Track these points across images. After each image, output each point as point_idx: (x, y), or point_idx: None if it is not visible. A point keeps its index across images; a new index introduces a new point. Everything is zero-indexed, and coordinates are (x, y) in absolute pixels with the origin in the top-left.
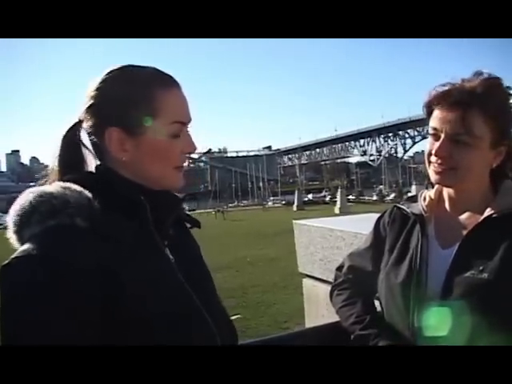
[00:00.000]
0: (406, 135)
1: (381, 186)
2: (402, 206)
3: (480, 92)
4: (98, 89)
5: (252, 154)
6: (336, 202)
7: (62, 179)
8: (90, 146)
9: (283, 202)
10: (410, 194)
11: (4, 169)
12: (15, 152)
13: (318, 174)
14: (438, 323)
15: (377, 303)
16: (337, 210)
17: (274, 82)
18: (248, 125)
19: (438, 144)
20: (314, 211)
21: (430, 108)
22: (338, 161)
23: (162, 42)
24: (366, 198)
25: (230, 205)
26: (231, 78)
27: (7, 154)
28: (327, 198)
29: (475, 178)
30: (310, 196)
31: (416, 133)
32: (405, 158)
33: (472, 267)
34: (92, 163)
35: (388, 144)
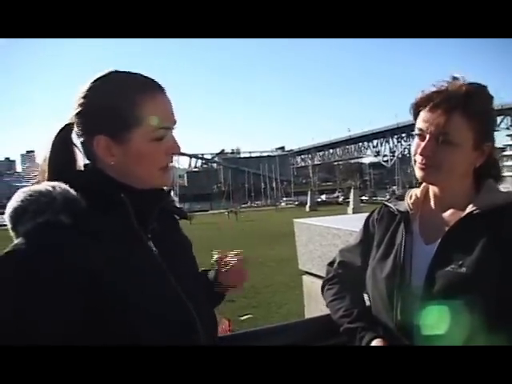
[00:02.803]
0: None
1: (394, 187)
2: (390, 204)
3: (464, 96)
4: (84, 97)
5: (265, 154)
6: (349, 202)
7: (51, 180)
8: (80, 148)
9: (296, 203)
10: None
11: (19, 169)
12: (30, 152)
13: (331, 174)
14: (421, 316)
15: (366, 297)
16: (350, 211)
17: (288, 82)
18: (261, 125)
19: (423, 144)
20: (326, 212)
21: (416, 110)
22: (352, 161)
23: (173, 41)
24: (379, 198)
25: (243, 205)
26: (245, 78)
27: (22, 155)
28: (340, 199)
29: (458, 176)
30: (323, 197)
31: None
32: None
33: (452, 262)
34: (82, 163)
35: (401, 145)
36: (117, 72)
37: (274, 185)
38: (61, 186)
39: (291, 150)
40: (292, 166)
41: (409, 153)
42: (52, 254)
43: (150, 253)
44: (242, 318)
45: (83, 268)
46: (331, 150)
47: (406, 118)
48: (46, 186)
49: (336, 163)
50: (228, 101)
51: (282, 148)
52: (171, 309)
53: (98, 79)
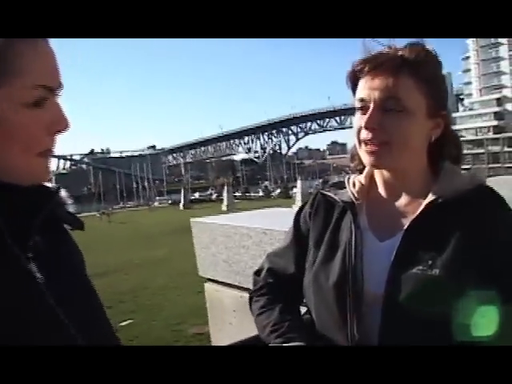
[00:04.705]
0: (290, 132)
1: (266, 182)
2: (328, 193)
3: (410, 56)
4: None
5: (136, 153)
6: (223, 199)
7: None
8: None
9: (169, 202)
10: (295, 190)
11: None
12: None
13: (203, 172)
14: (386, 333)
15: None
16: (224, 208)
17: (158, 79)
18: (131, 124)
19: (367, 115)
20: (201, 209)
21: (354, 78)
22: (223, 158)
23: None
24: (252, 194)
25: (115, 207)
26: (113, 75)
27: None
28: (214, 196)
29: (412, 154)
30: (197, 194)
31: (299, 129)
32: (289, 154)
33: (419, 262)
34: None
35: (272, 141)
36: None
37: (146, 184)
38: None
39: (163, 149)
40: (164, 165)
41: (279, 148)
42: None
43: (29, 280)
44: (123, 324)
45: None
46: (203, 148)
47: (275, 115)
48: None
49: (208, 161)
50: (96, 99)
51: (154, 147)
52: (50, 337)
53: None
